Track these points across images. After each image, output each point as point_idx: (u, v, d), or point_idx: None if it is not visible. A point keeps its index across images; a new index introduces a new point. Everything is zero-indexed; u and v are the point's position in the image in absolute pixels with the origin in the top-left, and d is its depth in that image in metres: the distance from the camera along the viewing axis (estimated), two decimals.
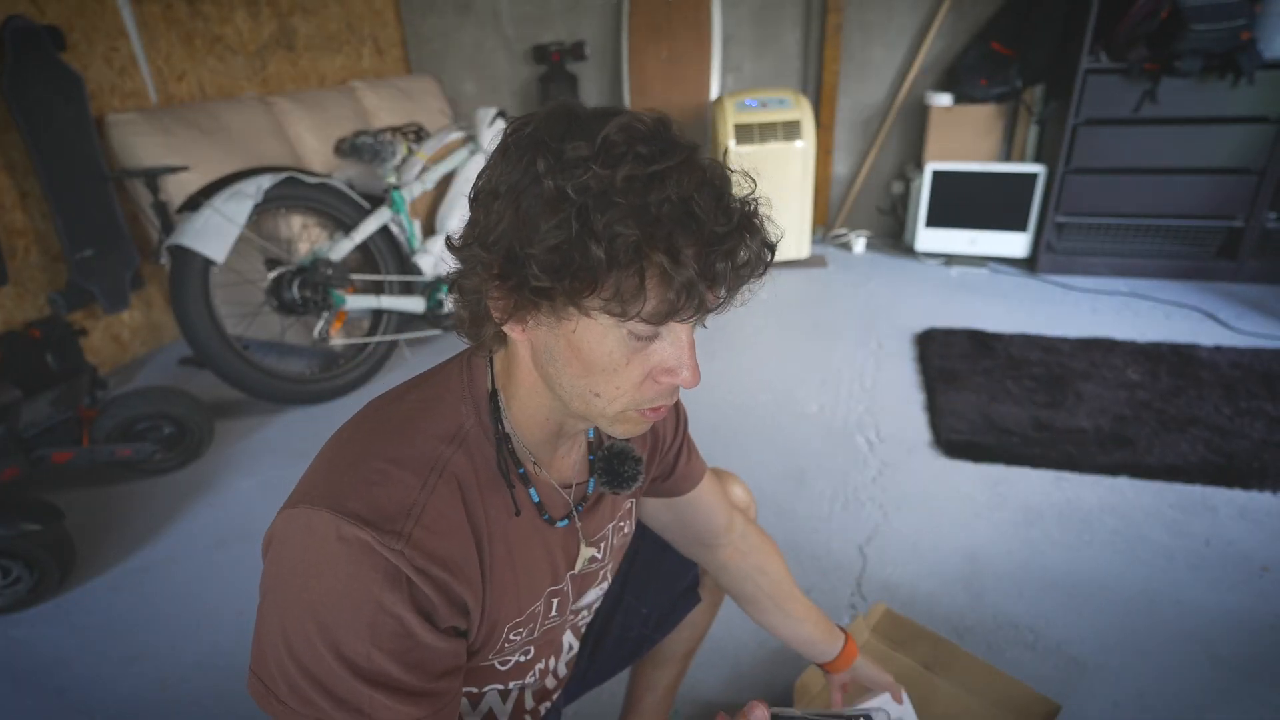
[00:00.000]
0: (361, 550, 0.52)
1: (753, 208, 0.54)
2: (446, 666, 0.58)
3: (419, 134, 2.80)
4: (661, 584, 0.96)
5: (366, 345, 2.53)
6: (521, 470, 0.65)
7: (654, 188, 0.48)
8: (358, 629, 0.52)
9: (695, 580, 0.99)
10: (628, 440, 0.72)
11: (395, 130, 2.69)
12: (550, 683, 0.83)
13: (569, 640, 0.85)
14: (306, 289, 2.24)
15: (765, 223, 0.55)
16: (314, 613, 0.52)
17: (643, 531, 0.96)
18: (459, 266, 0.59)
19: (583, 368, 0.56)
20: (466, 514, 0.59)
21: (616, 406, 0.57)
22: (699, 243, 0.50)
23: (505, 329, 0.58)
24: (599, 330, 0.54)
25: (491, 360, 0.64)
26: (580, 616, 0.83)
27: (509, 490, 0.63)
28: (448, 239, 0.59)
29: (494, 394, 0.63)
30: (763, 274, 0.56)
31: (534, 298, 0.52)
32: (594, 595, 0.81)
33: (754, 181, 0.55)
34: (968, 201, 3.27)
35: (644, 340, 0.55)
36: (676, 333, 0.56)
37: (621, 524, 0.80)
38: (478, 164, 2.81)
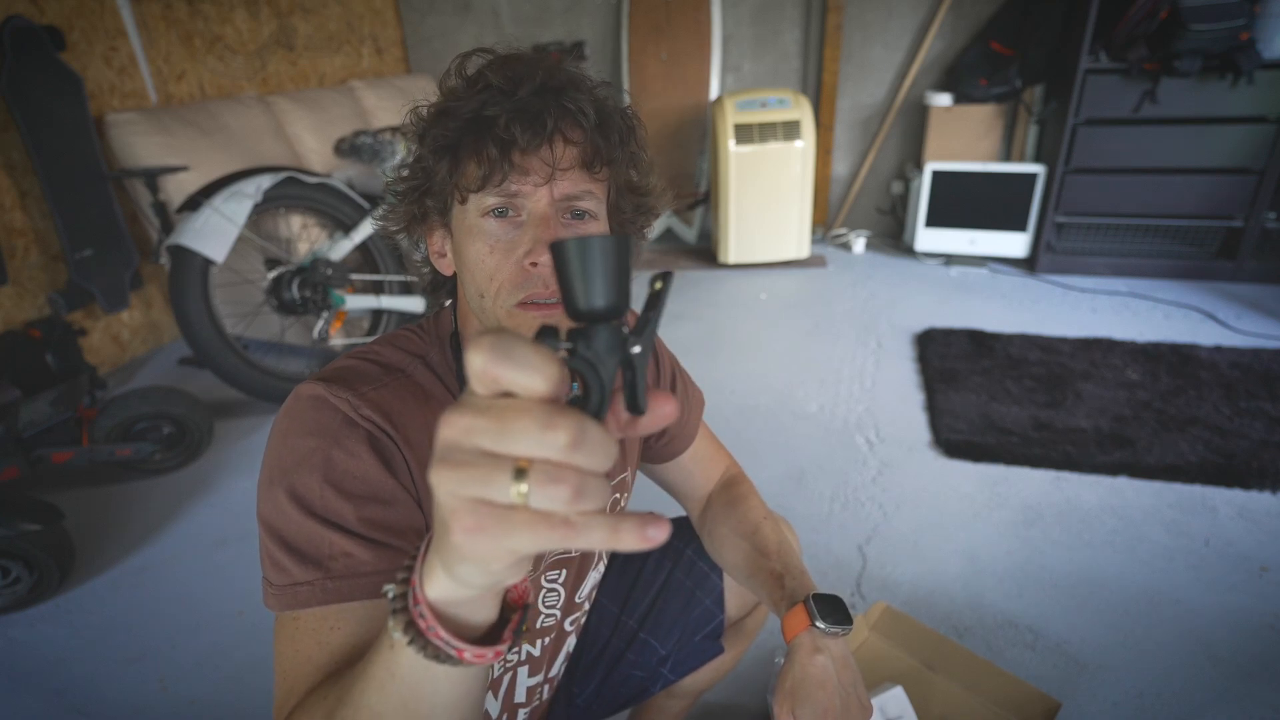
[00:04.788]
0: (318, 401, 0.58)
1: (579, 80, 0.60)
2: (405, 523, 0.57)
3: None
4: (684, 630, 0.93)
5: None
6: None
7: (474, 82, 0.59)
8: (313, 464, 0.55)
9: (719, 629, 0.94)
10: None
11: (395, 130, 2.69)
12: (537, 679, 0.82)
13: (568, 640, 0.84)
14: (306, 289, 2.24)
15: (599, 87, 0.61)
16: (278, 465, 0.56)
17: (670, 577, 0.94)
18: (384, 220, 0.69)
19: (468, 272, 0.61)
20: (420, 412, 0.62)
21: (500, 302, 0.60)
22: (507, 110, 0.57)
23: (437, 264, 0.67)
24: (466, 228, 0.61)
25: (455, 307, 0.69)
26: (577, 609, 0.82)
27: None
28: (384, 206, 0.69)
29: (455, 333, 0.67)
30: (621, 138, 0.61)
31: (418, 206, 0.63)
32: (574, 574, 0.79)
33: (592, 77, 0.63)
34: (967, 201, 3.27)
35: (504, 227, 0.59)
36: (535, 214, 0.59)
37: (615, 495, 0.78)
38: None
